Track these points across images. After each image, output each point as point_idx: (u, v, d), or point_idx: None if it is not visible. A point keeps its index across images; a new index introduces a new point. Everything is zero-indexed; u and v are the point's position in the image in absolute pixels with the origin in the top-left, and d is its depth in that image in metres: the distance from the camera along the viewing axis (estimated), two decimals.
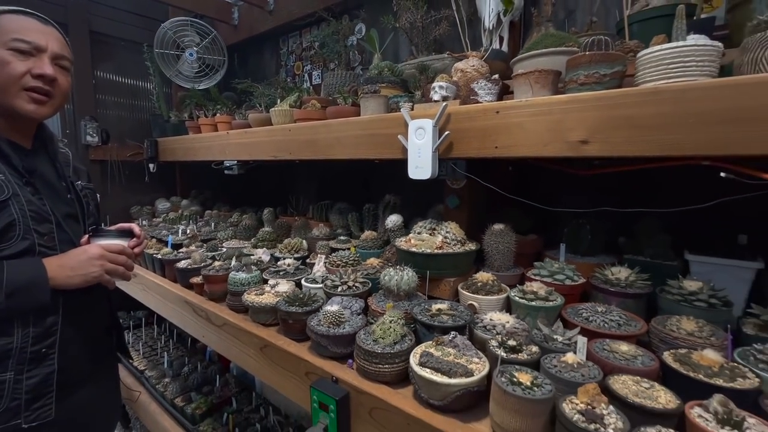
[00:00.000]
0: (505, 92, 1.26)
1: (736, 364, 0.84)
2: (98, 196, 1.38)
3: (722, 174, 0.86)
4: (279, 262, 1.73)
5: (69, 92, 1.13)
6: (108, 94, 3.07)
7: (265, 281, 1.58)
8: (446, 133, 1.15)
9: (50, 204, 1.08)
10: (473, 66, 1.27)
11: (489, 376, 0.88)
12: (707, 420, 0.71)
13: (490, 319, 1.09)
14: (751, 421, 0.70)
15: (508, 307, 1.22)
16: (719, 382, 0.78)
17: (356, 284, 1.39)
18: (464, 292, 1.25)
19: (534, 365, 0.89)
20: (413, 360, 0.95)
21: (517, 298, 1.16)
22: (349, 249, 1.75)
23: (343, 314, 1.19)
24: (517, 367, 0.86)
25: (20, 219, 0.99)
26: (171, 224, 2.68)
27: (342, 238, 1.95)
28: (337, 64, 2.28)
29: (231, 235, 2.31)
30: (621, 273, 1.21)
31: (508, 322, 1.07)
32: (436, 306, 1.15)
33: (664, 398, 0.76)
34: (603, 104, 0.88)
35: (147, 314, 3.07)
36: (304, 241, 1.98)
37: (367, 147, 1.38)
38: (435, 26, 1.75)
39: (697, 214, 1.08)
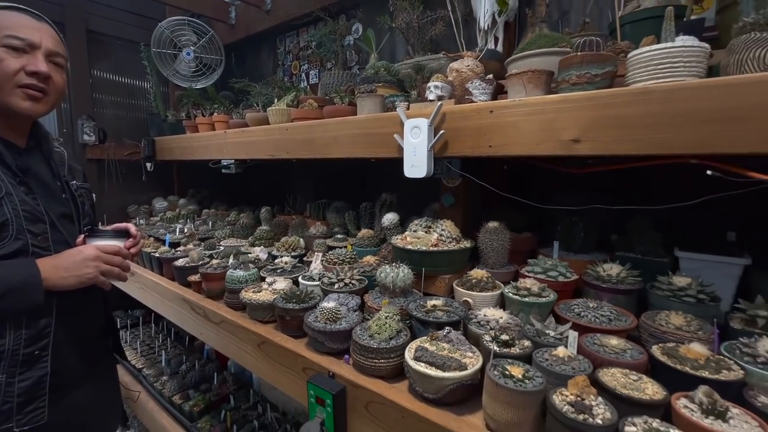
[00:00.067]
0: (499, 92, 1.28)
1: (721, 356, 0.86)
2: (94, 195, 1.36)
3: (708, 172, 0.88)
4: (276, 260, 1.74)
5: (64, 89, 1.12)
6: (105, 93, 3.07)
7: (263, 279, 1.59)
8: (441, 132, 1.17)
9: (44, 204, 1.06)
10: (468, 66, 1.29)
11: (482, 370, 0.89)
12: (692, 410, 0.73)
13: (484, 315, 1.11)
14: (734, 411, 0.73)
15: (502, 303, 1.24)
16: (705, 374, 0.80)
17: (353, 281, 1.41)
18: (459, 288, 1.27)
19: (526, 359, 0.92)
20: (408, 355, 0.97)
21: (510, 294, 1.19)
22: (345, 247, 1.76)
23: (339, 311, 1.21)
24: (509, 360, 0.88)
25: (13, 219, 0.97)
26: (168, 223, 2.69)
27: (339, 236, 1.96)
28: (334, 63, 2.30)
29: (228, 234, 2.32)
30: (612, 270, 1.23)
31: (501, 317, 1.09)
32: (431, 302, 1.17)
33: (651, 390, 0.78)
34: (594, 104, 0.90)
35: (144, 313, 3.08)
36: (301, 239, 1.99)
37: (364, 146, 1.39)
38: (431, 26, 1.77)
39: (687, 212, 1.11)
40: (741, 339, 0.92)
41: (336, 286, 1.38)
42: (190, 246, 2.15)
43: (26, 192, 1.03)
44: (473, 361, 0.93)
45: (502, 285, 1.27)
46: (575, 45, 1.04)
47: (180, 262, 1.87)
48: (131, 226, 1.21)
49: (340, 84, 1.94)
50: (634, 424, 0.71)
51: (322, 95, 1.95)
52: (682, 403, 0.75)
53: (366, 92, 1.51)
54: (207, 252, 1.99)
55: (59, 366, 1.06)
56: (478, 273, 1.29)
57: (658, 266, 1.25)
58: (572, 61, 1.00)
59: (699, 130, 0.78)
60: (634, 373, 0.84)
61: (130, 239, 1.18)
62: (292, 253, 1.87)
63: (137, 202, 3.17)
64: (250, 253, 1.90)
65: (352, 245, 1.78)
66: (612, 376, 0.83)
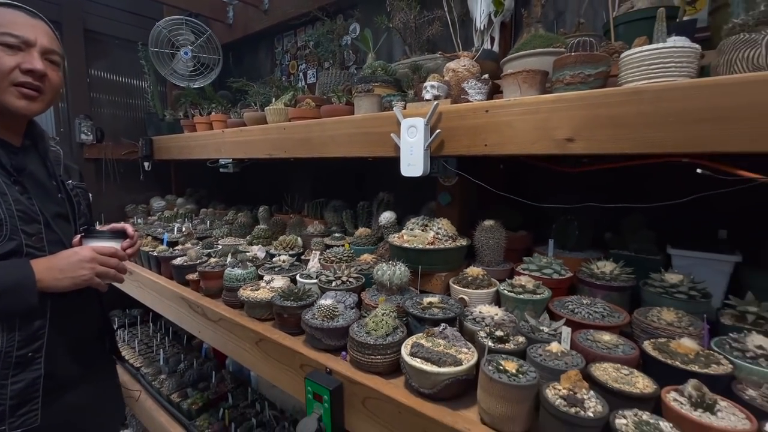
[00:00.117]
0: (495, 91, 1.29)
1: (711, 351, 0.88)
2: (90, 195, 1.34)
3: (698, 170, 0.90)
4: (274, 259, 1.75)
5: (60, 88, 1.10)
6: (102, 93, 3.07)
7: (261, 277, 1.60)
8: (437, 131, 1.18)
9: (39, 203, 1.05)
10: (464, 66, 1.31)
11: (477, 366, 0.91)
12: (681, 403, 0.74)
13: (480, 312, 1.13)
14: (722, 404, 0.74)
15: (497, 300, 1.25)
16: (694, 368, 0.82)
17: (350, 279, 1.42)
18: (455, 286, 1.29)
19: (520, 355, 0.93)
20: (404, 351, 0.98)
21: (506, 291, 1.20)
22: (343, 245, 1.78)
23: (336, 308, 1.22)
24: (504, 356, 0.90)
25: (7, 219, 0.96)
26: (166, 222, 2.69)
27: (336, 235, 1.97)
28: (331, 63, 2.31)
29: (226, 233, 2.33)
30: (606, 267, 1.25)
31: (496, 314, 1.11)
32: (427, 299, 1.18)
33: (642, 384, 0.80)
34: (587, 103, 0.92)
35: (142, 312, 3.08)
36: (299, 238, 2.00)
37: (361, 145, 1.41)
38: (428, 26, 1.78)
39: (679, 211, 1.12)
40: (731, 334, 0.93)
41: (333, 283, 1.39)
42: (188, 245, 2.16)
43: (21, 191, 1.02)
44: (468, 357, 0.94)
45: (498, 282, 1.28)
46: (569, 45, 1.06)
47: (178, 261, 1.88)
48: (128, 227, 1.20)
49: (338, 83, 1.95)
50: (625, 417, 0.73)
51: (320, 95, 1.97)
52: (671, 397, 0.76)
53: (363, 92, 1.52)
54: (205, 251, 2.00)
55: (53, 368, 1.05)
56: (474, 271, 1.30)
57: (651, 264, 1.27)
58: (566, 62, 1.01)
59: (690, 129, 0.79)
60: (626, 367, 0.86)
61: (127, 240, 1.17)
62: (290, 252, 1.88)
63: (135, 201, 3.17)
64: (248, 251, 1.91)
65: (349, 244, 1.79)
66: (604, 371, 0.84)
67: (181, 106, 2.78)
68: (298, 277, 1.54)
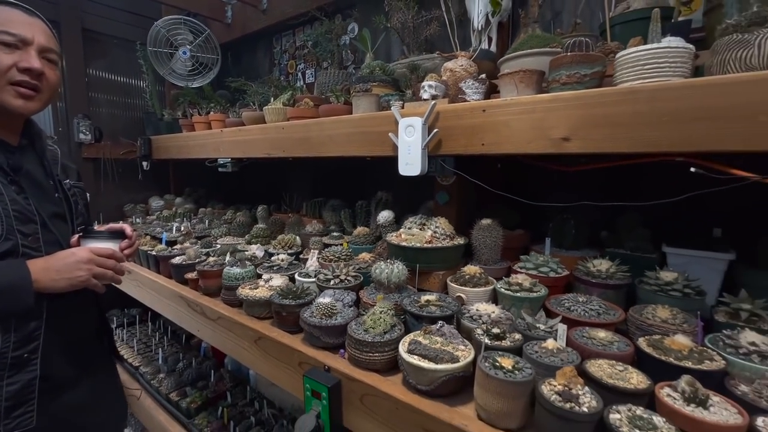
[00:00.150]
0: (492, 91, 1.30)
1: (704, 348, 0.89)
2: (88, 195, 1.32)
3: (692, 169, 0.91)
4: (273, 258, 1.76)
5: (58, 87, 1.09)
6: (101, 92, 3.07)
7: (259, 276, 1.61)
8: (435, 130, 1.19)
9: (36, 203, 1.04)
10: (462, 66, 1.32)
11: (474, 362, 0.92)
12: (675, 398, 0.75)
13: (477, 310, 1.14)
14: (715, 399, 0.76)
15: (494, 298, 1.26)
16: (688, 364, 0.83)
17: (348, 278, 1.43)
18: (452, 284, 1.30)
19: (517, 351, 0.94)
20: (402, 348, 0.99)
21: (503, 289, 1.21)
22: (341, 244, 1.78)
23: (335, 306, 1.23)
24: (500, 353, 0.90)
25: (3, 219, 0.95)
26: (165, 222, 2.70)
27: (335, 234, 1.98)
28: (330, 63, 2.31)
29: (225, 232, 2.33)
30: (602, 265, 1.26)
31: (493, 312, 1.12)
32: (425, 297, 1.19)
33: (636, 379, 0.81)
34: (583, 103, 0.93)
35: (141, 311, 3.08)
36: (297, 237, 2.01)
37: (359, 144, 1.41)
38: (426, 26, 1.79)
39: (674, 209, 1.13)
40: (724, 331, 0.94)
41: (332, 282, 1.40)
42: (187, 244, 2.16)
43: (17, 191, 1.01)
44: (465, 354, 0.95)
45: (495, 281, 1.29)
46: (565, 45, 1.07)
47: (177, 260, 1.88)
48: (127, 227, 1.19)
49: (336, 83, 1.96)
50: (619, 412, 0.74)
51: (318, 94, 1.97)
52: (665, 392, 0.78)
53: (361, 91, 1.53)
54: (204, 250, 2.01)
55: (49, 369, 1.04)
56: (471, 269, 1.31)
57: (646, 262, 1.28)
58: (562, 62, 1.02)
59: (684, 128, 0.80)
60: (621, 364, 0.87)
61: (126, 240, 1.15)
62: (289, 251, 1.89)
63: (134, 200, 3.17)
64: (247, 250, 1.92)
65: (347, 243, 1.80)
66: (599, 367, 0.85)
67: (180, 105, 2.78)
68: (296, 276, 1.55)
